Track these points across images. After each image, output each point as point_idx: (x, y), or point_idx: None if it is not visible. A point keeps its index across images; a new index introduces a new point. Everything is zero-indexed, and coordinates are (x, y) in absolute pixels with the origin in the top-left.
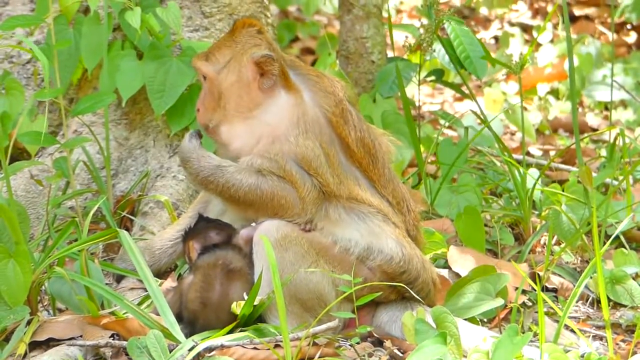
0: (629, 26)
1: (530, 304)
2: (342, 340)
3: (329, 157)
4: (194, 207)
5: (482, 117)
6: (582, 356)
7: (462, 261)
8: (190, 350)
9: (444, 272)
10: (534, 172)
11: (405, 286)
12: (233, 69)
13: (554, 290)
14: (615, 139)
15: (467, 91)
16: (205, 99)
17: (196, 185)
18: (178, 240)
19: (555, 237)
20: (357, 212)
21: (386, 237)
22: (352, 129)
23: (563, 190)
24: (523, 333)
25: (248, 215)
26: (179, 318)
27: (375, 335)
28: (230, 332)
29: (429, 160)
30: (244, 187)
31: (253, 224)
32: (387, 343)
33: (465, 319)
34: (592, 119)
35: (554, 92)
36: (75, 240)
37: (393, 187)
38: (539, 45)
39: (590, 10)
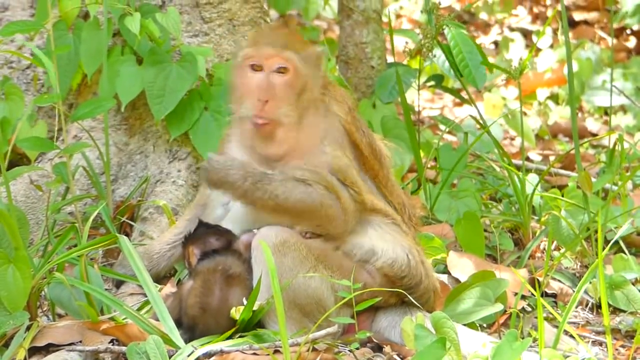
0: (628, 31)
1: (529, 309)
2: (342, 346)
3: (353, 167)
4: (191, 211)
5: (481, 122)
6: None
7: (462, 266)
8: (189, 355)
9: (444, 278)
10: (533, 178)
11: (405, 292)
12: (314, 62)
13: (554, 295)
14: (615, 144)
15: (466, 96)
16: (281, 91)
17: (237, 197)
18: (176, 244)
19: (555, 242)
20: (371, 223)
21: (394, 243)
22: (362, 136)
23: (562, 196)
24: (522, 338)
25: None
26: (179, 323)
27: (374, 340)
28: (230, 337)
29: (429, 166)
30: (294, 196)
31: (254, 230)
32: (387, 348)
33: (465, 325)
34: (592, 124)
35: (554, 97)
36: (75, 245)
37: (397, 192)
38: (538, 50)
39: (590, 16)
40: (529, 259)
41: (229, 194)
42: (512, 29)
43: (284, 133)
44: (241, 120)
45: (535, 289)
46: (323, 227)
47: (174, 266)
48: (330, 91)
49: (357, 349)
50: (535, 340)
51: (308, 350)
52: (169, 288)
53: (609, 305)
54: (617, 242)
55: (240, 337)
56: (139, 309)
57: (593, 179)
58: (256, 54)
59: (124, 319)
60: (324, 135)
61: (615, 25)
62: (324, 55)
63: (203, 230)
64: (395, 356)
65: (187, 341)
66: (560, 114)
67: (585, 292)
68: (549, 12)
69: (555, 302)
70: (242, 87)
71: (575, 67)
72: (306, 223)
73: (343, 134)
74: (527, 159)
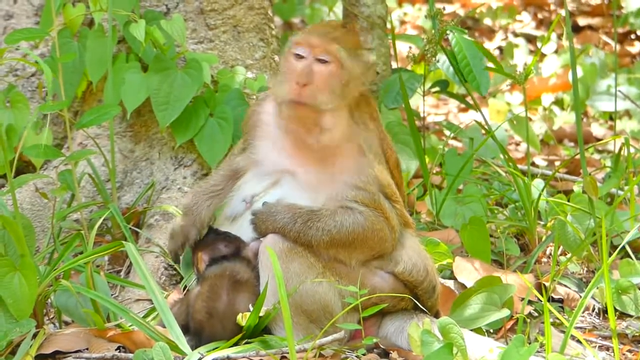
0: (632, 36)
1: (536, 314)
2: (349, 352)
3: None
4: (225, 166)
5: (486, 127)
6: None
7: (468, 272)
8: None
9: (450, 283)
10: (539, 183)
11: (419, 297)
12: (359, 64)
13: (560, 300)
14: (620, 148)
15: (471, 102)
16: (331, 78)
17: (292, 239)
18: (213, 195)
19: (561, 247)
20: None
21: (412, 249)
22: (392, 152)
23: (568, 201)
24: (529, 344)
25: (339, 257)
26: (186, 329)
27: (381, 346)
28: (236, 343)
29: (434, 171)
30: (345, 227)
31: (262, 239)
32: (394, 354)
33: (471, 330)
34: (597, 129)
35: (559, 103)
36: (81, 253)
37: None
38: (543, 55)
39: (594, 21)
40: (535, 264)
41: (282, 237)
42: (516, 35)
43: (332, 121)
44: (280, 106)
45: (541, 294)
46: (376, 251)
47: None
48: (370, 105)
49: (364, 354)
50: (542, 345)
51: (315, 356)
52: (176, 295)
53: (616, 310)
54: (623, 247)
55: (247, 343)
56: (146, 316)
57: (599, 184)
58: (303, 42)
59: (130, 326)
60: (368, 147)
61: (619, 30)
62: (372, 67)
63: (212, 237)
64: None
65: (193, 348)
66: (565, 119)
67: (592, 297)
68: (554, 18)
69: (562, 307)
70: (285, 72)
71: (579, 72)
72: (361, 251)
73: (380, 149)
74: (533, 164)
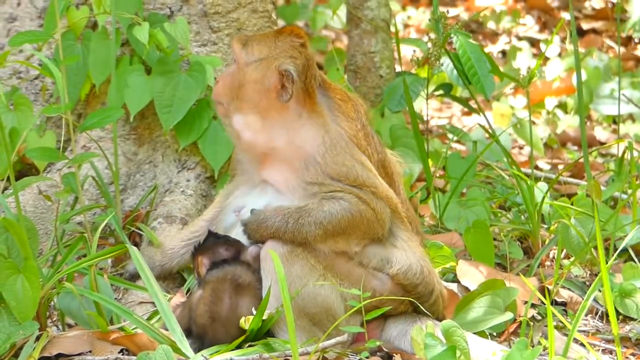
0: (636, 40)
1: (539, 317)
2: (352, 355)
3: (364, 164)
4: (209, 212)
5: (490, 131)
6: None
7: (471, 275)
8: None
9: (453, 286)
10: (542, 186)
11: (416, 301)
12: (261, 69)
13: (563, 304)
14: (624, 152)
15: (475, 105)
16: (229, 78)
17: (288, 241)
18: (191, 242)
19: (564, 250)
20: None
21: (408, 251)
22: (374, 150)
23: (572, 204)
24: (532, 347)
25: (338, 247)
26: (188, 333)
27: (384, 349)
28: (239, 346)
29: (438, 175)
30: (334, 216)
31: (259, 245)
32: (397, 357)
33: (475, 333)
34: (601, 132)
35: (562, 106)
36: (84, 255)
37: (407, 208)
38: (546, 59)
39: (598, 24)
40: (538, 267)
41: (280, 241)
42: (520, 38)
43: (241, 121)
44: None
45: (545, 298)
46: (368, 232)
47: (186, 265)
48: (341, 107)
49: (367, 357)
50: (545, 348)
51: (318, 359)
52: (178, 298)
53: (619, 314)
54: (627, 250)
55: (250, 346)
56: (149, 319)
57: (602, 188)
58: (232, 45)
59: (133, 329)
60: (315, 145)
61: (623, 34)
62: (287, 73)
63: (212, 241)
64: None
65: (196, 351)
66: (568, 123)
67: (595, 300)
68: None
69: (565, 311)
70: None
71: (583, 75)
72: (356, 235)
73: (349, 142)
74: (536, 167)
